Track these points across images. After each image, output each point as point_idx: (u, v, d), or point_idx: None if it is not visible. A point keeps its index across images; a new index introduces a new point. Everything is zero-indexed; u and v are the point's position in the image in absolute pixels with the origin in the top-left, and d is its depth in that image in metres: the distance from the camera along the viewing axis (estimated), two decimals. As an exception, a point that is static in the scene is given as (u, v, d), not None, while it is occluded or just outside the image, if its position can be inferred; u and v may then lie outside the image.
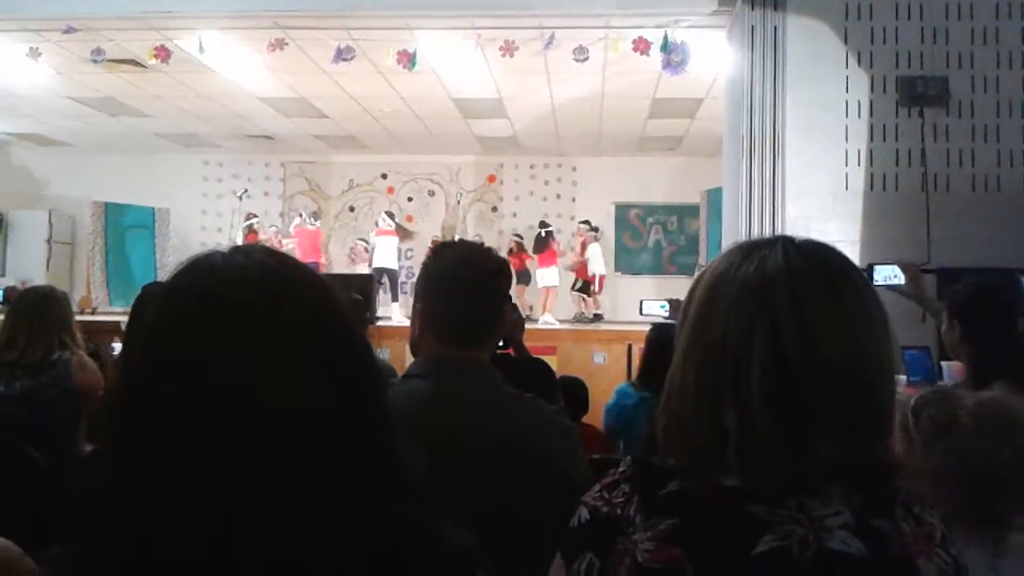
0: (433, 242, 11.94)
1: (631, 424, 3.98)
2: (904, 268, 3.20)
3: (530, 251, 12.22)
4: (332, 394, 0.82)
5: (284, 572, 0.76)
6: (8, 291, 6.08)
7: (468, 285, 1.77)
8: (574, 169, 14.04)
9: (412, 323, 1.86)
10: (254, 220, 12.57)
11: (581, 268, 12.01)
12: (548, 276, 11.83)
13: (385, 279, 11.32)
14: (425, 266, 1.87)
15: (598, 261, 12.00)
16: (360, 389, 0.86)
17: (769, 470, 0.94)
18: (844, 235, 5.58)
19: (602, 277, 12.02)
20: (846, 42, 5.99)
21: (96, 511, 0.81)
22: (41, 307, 3.64)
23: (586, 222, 12.26)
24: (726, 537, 0.93)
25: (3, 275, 12.69)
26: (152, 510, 0.77)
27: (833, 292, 0.98)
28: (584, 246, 12.01)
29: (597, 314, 11.69)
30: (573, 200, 14.01)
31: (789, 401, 0.93)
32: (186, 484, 0.77)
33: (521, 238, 12.37)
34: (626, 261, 13.96)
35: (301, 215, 12.88)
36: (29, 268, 12.68)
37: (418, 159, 13.92)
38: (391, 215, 12.13)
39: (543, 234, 12.11)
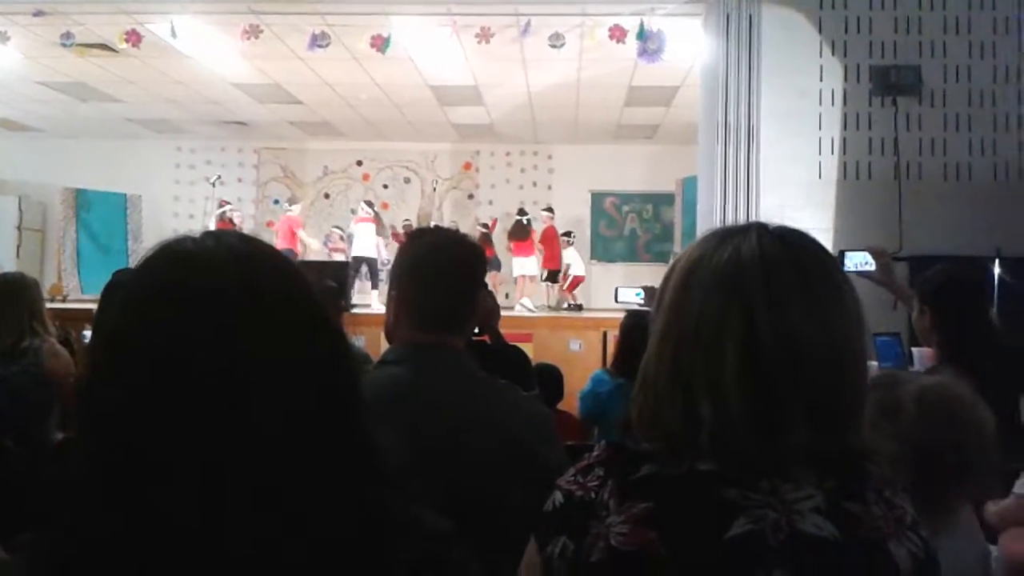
0: (404, 228, 11.91)
1: (606, 410, 4.00)
2: (875, 255, 3.22)
3: (506, 238, 12.19)
4: (305, 380, 0.82)
5: (261, 557, 0.76)
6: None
7: (443, 271, 1.77)
8: (550, 157, 14.05)
9: (387, 310, 1.85)
10: (227, 208, 12.46)
11: (547, 258, 11.97)
12: (527, 264, 11.82)
13: (364, 267, 11.27)
14: (400, 252, 1.87)
15: (578, 265, 12.04)
16: (333, 376, 0.86)
17: (742, 454, 0.94)
18: (818, 223, 5.62)
19: (577, 278, 11.99)
20: (821, 31, 6.03)
21: (68, 497, 0.81)
22: (11, 294, 3.60)
23: (548, 209, 12.21)
24: (700, 520, 0.93)
25: (-28, 262, 12.51)
26: (124, 497, 0.76)
27: (806, 278, 0.99)
28: (548, 233, 11.95)
29: (577, 304, 11.69)
30: (549, 188, 14.02)
31: (762, 386, 0.94)
32: (157, 470, 0.76)
33: (487, 228, 12.30)
34: (602, 249, 14.00)
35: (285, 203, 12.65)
36: (-1, 255, 12.52)
37: (394, 146, 13.87)
38: (370, 203, 12.06)
39: (524, 221, 12.05)
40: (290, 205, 12.45)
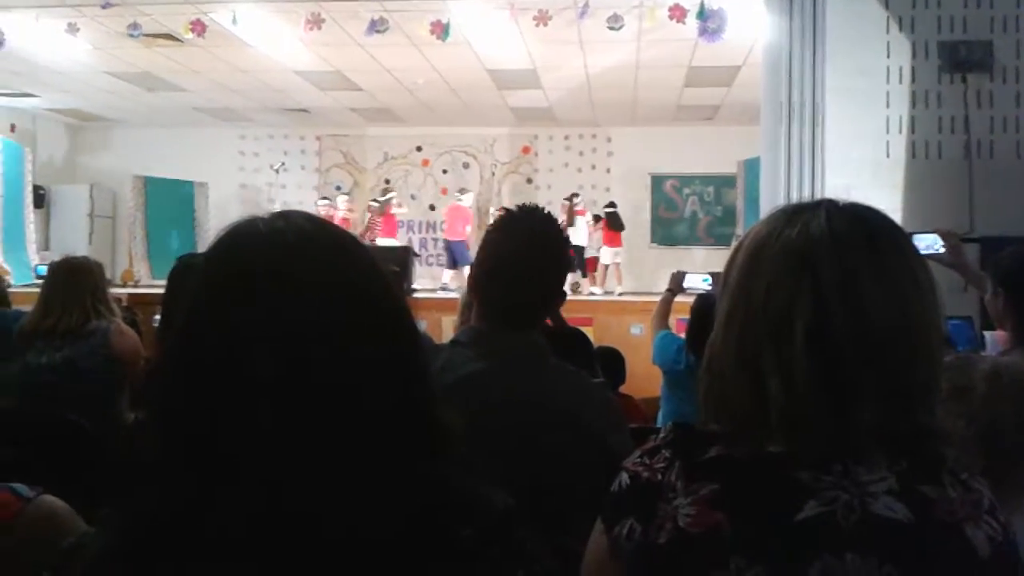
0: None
1: (675, 362, 4.07)
2: (944, 237, 3.13)
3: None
4: (373, 360, 0.83)
5: (328, 531, 0.77)
6: (49, 266, 6.23)
7: (526, 258, 1.74)
8: (609, 140, 13.94)
9: (468, 288, 1.84)
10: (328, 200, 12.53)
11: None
12: (619, 254, 11.79)
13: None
14: (488, 232, 1.84)
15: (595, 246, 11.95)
16: (401, 355, 0.86)
17: (813, 436, 0.93)
18: (885, 203, 5.35)
19: (592, 260, 11.92)
20: (887, 7, 5.86)
21: (142, 476, 0.83)
22: (73, 275, 3.70)
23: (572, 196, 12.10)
24: (769, 503, 0.92)
25: (47, 249, 12.91)
26: (198, 475, 0.78)
27: (878, 256, 0.96)
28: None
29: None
30: (608, 171, 13.93)
31: (833, 367, 0.92)
32: (230, 450, 0.77)
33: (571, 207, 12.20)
34: (661, 232, 13.86)
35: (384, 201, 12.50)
36: (72, 242, 12.88)
37: (453, 131, 13.89)
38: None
39: (617, 212, 11.95)
40: (461, 195, 12.34)
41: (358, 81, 10.88)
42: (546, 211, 1.86)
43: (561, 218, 11.63)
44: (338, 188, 14.26)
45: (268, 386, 0.78)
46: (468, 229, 11.95)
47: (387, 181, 14.32)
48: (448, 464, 0.87)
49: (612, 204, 12.16)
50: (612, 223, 11.88)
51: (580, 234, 11.61)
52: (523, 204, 1.86)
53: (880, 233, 0.99)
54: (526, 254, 1.74)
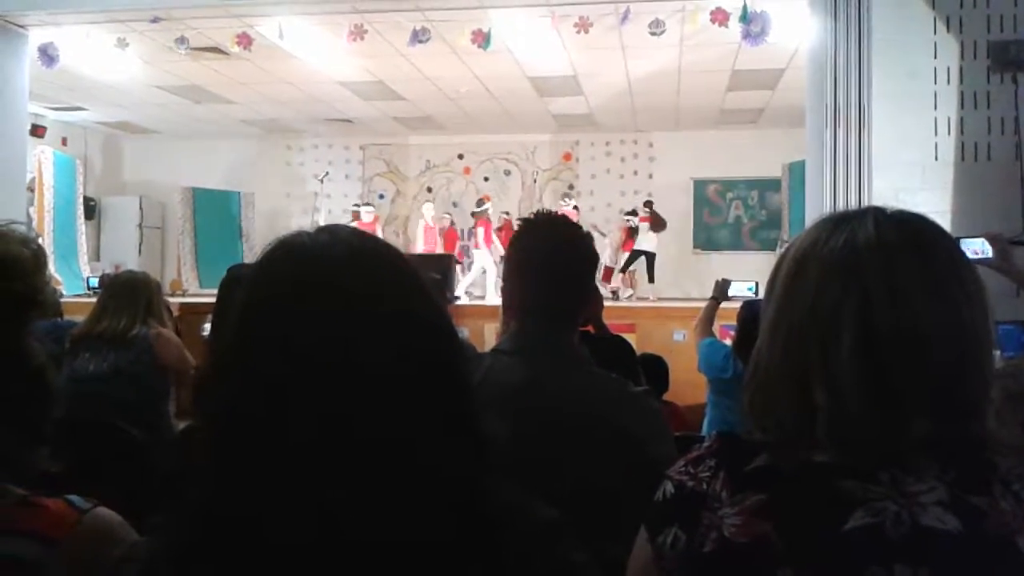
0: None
1: (722, 370, 4.05)
2: (992, 240, 3.06)
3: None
4: (419, 372, 0.84)
5: (380, 548, 0.78)
6: (103, 278, 6.40)
7: (556, 263, 1.75)
8: (651, 145, 13.87)
9: (502, 299, 1.85)
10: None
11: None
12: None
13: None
14: (512, 242, 1.86)
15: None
16: (446, 368, 0.87)
17: (860, 445, 0.92)
18: (934, 207, 5.39)
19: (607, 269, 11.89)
20: (934, 7, 5.76)
21: (193, 487, 0.84)
22: (133, 287, 3.79)
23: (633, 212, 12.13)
24: (816, 513, 0.91)
25: (97, 259, 13.19)
26: (248, 489, 0.79)
27: (926, 263, 0.95)
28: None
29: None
30: (650, 176, 13.86)
31: (881, 375, 0.91)
32: (277, 464, 0.78)
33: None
34: (704, 237, 13.76)
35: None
36: (122, 253, 13.17)
37: (494, 139, 13.94)
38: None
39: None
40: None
41: (400, 90, 10.97)
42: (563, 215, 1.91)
43: (617, 236, 11.71)
44: (381, 196, 14.37)
45: (316, 398, 0.79)
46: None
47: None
48: (491, 474, 0.87)
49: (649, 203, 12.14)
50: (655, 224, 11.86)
51: (648, 240, 11.63)
52: (540, 210, 1.90)
53: (928, 240, 0.98)
54: (551, 255, 1.76)
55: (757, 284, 5.91)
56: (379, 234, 11.42)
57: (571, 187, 14.11)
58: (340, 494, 0.78)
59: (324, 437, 0.79)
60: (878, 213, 1.00)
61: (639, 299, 11.32)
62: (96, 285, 8.05)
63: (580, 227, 1.90)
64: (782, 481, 0.94)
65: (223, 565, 0.79)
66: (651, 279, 11.68)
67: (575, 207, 11.91)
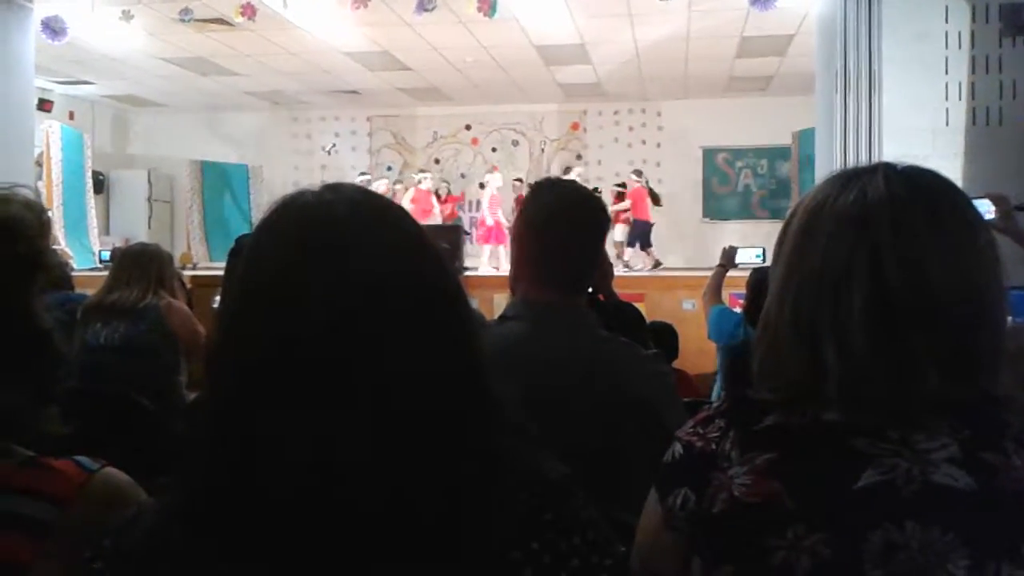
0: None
1: (732, 336, 4.09)
2: (995, 202, 3.02)
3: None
4: (424, 330, 0.83)
5: (390, 504, 0.78)
6: (114, 251, 6.44)
7: (564, 228, 1.73)
8: (659, 114, 13.77)
9: (511, 265, 1.85)
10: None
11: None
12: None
13: None
14: (522, 207, 1.83)
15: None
16: (454, 329, 0.87)
17: (871, 403, 0.91)
18: (945, 172, 5.23)
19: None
20: (946, -31, 5.69)
21: (201, 451, 0.84)
22: (146, 258, 3.80)
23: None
24: (827, 471, 0.91)
25: (107, 233, 13.21)
26: (254, 452, 0.79)
27: (937, 219, 0.94)
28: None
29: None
30: (658, 146, 13.78)
31: (892, 333, 0.90)
32: (286, 425, 0.78)
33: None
34: (714, 206, 13.69)
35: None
36: (131, 226, 13.18)
37: (501, 109, 13.86)
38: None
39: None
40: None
41: (406, 61, 10.91)
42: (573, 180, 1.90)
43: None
44: (389, 168, 14.34)
45: (317, 360, 0.79)
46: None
47: (437, 161, 14.35)
48: (501, 433, 0.87)
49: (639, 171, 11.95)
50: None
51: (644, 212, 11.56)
52: (547, 176, 1.89)
53: (939, 196, 0.97)
54: (557, 220, 1.74)
55: (764, 250, 5.89)
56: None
57: (579, 156, 14.03)
58: (349, 456, 0.78)
59: (327, 395, 0.78)
60: (888, 169, 0.98)
61: (650, 270, 11.26)
62: (108, 258, 8.06)
63: (588, 191, 1.88)
64: (792, 440, 0.94)
65: (230, 523, 0.79)
66: (645, 247, 11.61)
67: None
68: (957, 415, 0.92)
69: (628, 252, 11.57)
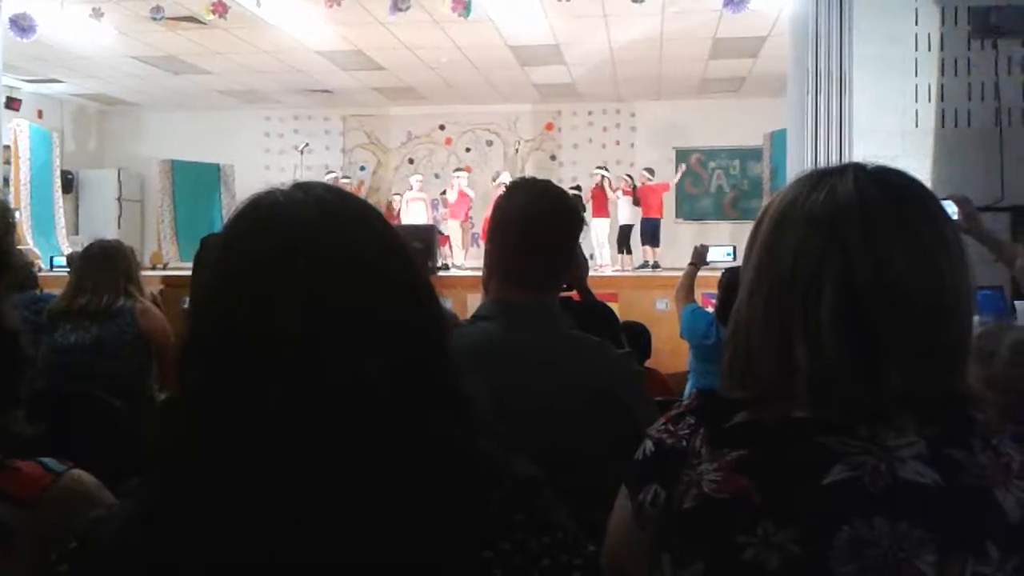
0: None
1: (704, 336, 4.14)
2: (959, 203, 3.06)
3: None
4: (394, 329, 0.83)
5: (359, 506, 0.77)
6: (70, 257, 6.34)
7: (538, 227, 1.73)
8: (633, 115, 13.84)
9: (484, 265, 1.84)
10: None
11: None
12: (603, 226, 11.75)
13: None
14: (496, 206, 1.84)
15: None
16: (423, 327, 0.86)
17: (840, 401, 0.92)
18: (914, 173, 5.26)
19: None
20: (915, -28, 5.75)
21: (170, 453, 0.83)
22: (109, 258, 3.75)
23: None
24: (795, 467, 0.91)
25: (76, 233, 13.06)
26: (216, 453, 0.78)
27: (906, 218, 0.95)
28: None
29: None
30: (632, 146, 13.85)
31: (861, 330, 0.91)
32: (250, 422, 0.78)
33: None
34: (687, 207, 13.76)
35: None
36: (101, 226, 12.98)
37: (475, 109, 13.86)
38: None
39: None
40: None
41: (380, 60, 10.87)
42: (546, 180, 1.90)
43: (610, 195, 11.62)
44: (362, 168, 14.28)
45: (287, 359, 0.78)
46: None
47: (411, 161, 14.31)
48: (471, 432, 0.87)
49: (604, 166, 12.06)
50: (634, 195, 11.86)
51: (627, 213, 11.74)
52: (522, 176, 1.90)
53: (908, 196, 0.98)
54: (530, 218, 1.74)
55: (735, 248, 5.93)
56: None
57: (553, 157, 14.06)
58: (320, 456, 0.77)
59: (295, 398, 0.78)
60: (858, 169, 0.99)
61: (622, 271, 11.33)
62: (63, 264, 7.93)
63: (563, 191, 1.88)
64: (761, 437, 0.94)
65: (198, 525, 0.78)
66: (627, 250, 11.69)
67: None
68: (925, 413, 0.92)
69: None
